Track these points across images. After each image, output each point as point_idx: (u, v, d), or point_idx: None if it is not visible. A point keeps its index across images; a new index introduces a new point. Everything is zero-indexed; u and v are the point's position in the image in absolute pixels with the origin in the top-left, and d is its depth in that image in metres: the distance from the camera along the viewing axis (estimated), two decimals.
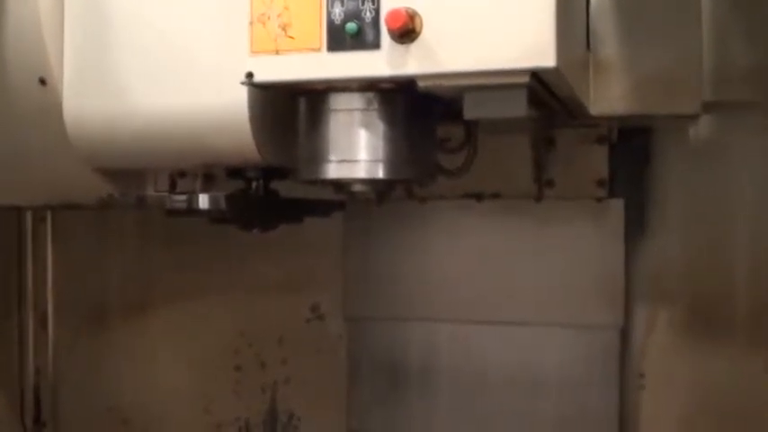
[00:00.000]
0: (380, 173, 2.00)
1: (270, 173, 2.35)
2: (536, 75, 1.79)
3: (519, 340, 2.96)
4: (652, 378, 2.97)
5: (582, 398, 2.91)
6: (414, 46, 1.79)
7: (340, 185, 2.11)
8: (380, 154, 1.99)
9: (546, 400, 2.94)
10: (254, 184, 2.35)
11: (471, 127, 2.40)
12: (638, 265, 2.93)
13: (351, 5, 1.83)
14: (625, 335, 2.93)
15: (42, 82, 2.23)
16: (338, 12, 1.84)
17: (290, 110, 2.10)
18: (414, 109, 2.03)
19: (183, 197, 2.28)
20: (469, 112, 1.87)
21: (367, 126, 1.98)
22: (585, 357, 2.90)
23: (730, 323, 2.90)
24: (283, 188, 2.44)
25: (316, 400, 3.31)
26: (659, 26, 2.35)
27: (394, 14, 1.76)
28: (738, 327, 2.89)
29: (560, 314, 2.91)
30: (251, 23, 1.92)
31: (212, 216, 2.40)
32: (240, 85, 1.96)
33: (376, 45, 1.82)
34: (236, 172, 2.35)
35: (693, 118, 2.54)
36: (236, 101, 2.01)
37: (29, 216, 3.59)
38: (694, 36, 2.37)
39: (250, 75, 1.93)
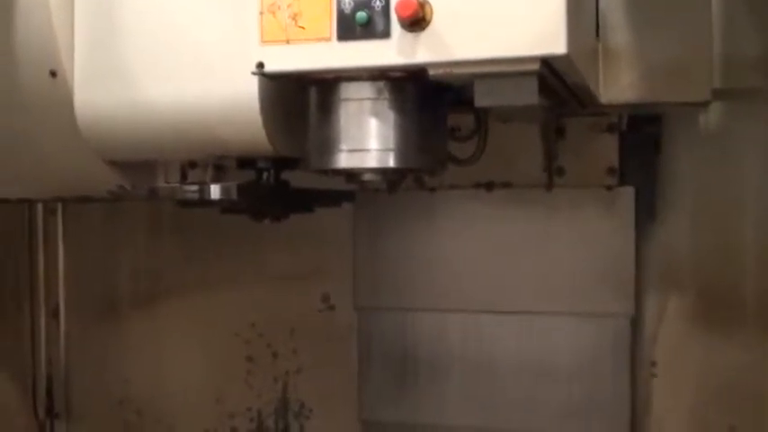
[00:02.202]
0: (391, 162, 1.99)
1: (280, 163, 2.34)
2: (547, 62, 1.79)
3: (530, 329, 2.96)
4: (664, 366, 2.98)
5: (593, 387, 2.91)
6: (424, 34, 1.79)
7: (351, 175, 2.11)
8: (391, 143, 1.98)
9: (557, 389, 2.95)
10: (264, 175, 2.35)
11: (481, 115, 2.40)
12: (649, 253, 2.94)
13: None
14: (636, 323, 2.94)
15: (53, 74, 2.22)
16: (348, 1, 1.84)
17: (300, 100, 2.09)
18: (424, 98, 2.03)
19: (195, 188, 2.28)
20: (480, 100, 1.86)
21: (377, 115, 1.98)
22: (596, 346, 2.91)
23: (741, 310, 2.90)
24: (294, 178, 2.44)
25: (327, 390, 3.33)
26: (668, 14, 2.35)
27: (404, 3, 1.76)
28: (749, 313, 2.90)
29: (571, 303, 2.92)
30: (261, 13, 1.91)
31: (223, 206, 2.40)
32: (251, 76, 1.95)
33: (386, 34, 1.82)
34: (246, 162, 2.35)
35: (703, 105, 2.53)
36: (247, 91, 2.00)
37: (40, 208, 3.60)
38: (704, 24, 2.37)
39: (261, 65, 1.92)
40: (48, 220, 3.64)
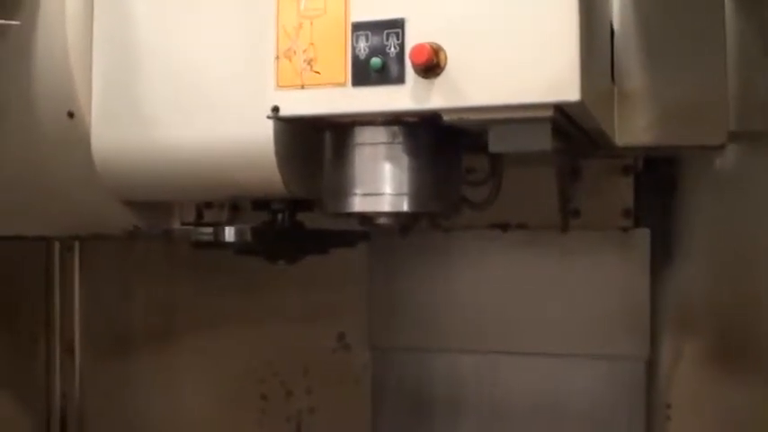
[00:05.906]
0: (405, 206, 1.99)
1: (295, 204, 2.35)
2: (560, 108, 1.78)
3: (544, 371, 2.95)
4: (679, 409, 2.95)
5: (608, 429, 2.89)
6: (438, 80, 1.79)
7: (365, 218, 2.11)
8: (405, 187, 1.98)
9: (572, 431, 2.92)
10: (279, 216, 2.36)
11: (496, 159, 2.40)
12: (664, 295, 2.92)
13: (375, 41, 1.83)
14: (651, 365, 2.92)
15: (71, 115, 2.24)
16: (363, 47, 1.84)
17: (315, 143, 2.10)
18: (438, 142, 2.02)
19: (210, 230, 2.28)
20: (494, 146, 1.86)
21: (391, 159, 1.98)
22: (611, 388, 2.88)
23: (757, 353, 2.87)
24: (308, 218, 2.45)
25: (340, 430, 3.31)
26: (684, 57, 2.34)
27: (418, 49, 1.76)
28: (765, 356, 2.86)
29: (586, 345, 2.90)
30: (277, 58, 1.92)
31: (238, 248, 2.40)
32: (266, 119, 1.96)
33: (400, 80, 1.82)
34: (262, 204, 2.36)
35: (719, 149, 2.51)
36: (263, 135, 2.01)
37: (57, 246, 3.62)
38: (719, 66, 2.36)
39: (276, 109, 1.93)
40: (64, 256, 3.64)
